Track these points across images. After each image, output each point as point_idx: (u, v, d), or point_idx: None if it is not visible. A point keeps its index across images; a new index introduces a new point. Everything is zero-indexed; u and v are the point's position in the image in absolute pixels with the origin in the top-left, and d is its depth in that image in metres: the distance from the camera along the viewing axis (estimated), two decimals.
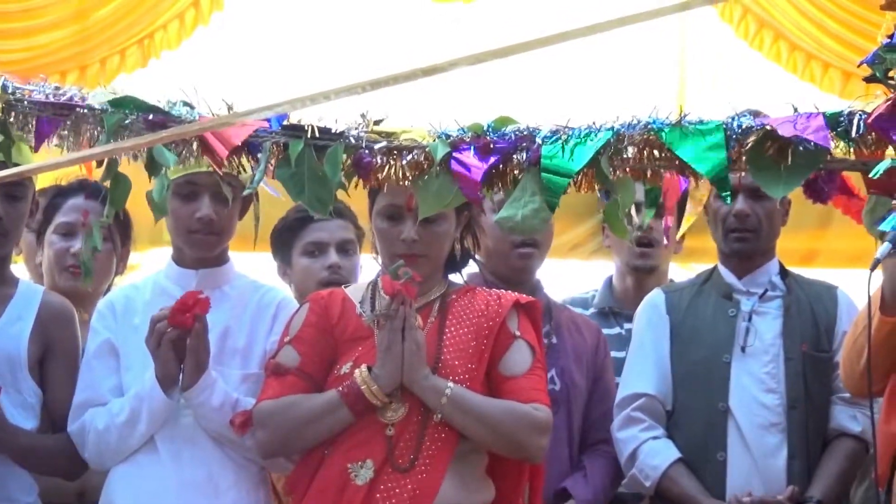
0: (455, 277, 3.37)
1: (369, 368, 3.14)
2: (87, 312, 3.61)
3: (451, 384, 3.13)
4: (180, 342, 3.23)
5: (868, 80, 2.92)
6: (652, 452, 3.72)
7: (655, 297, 3.91)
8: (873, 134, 2.93)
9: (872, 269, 3.09)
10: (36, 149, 3.14)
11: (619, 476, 3.82)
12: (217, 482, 3.30)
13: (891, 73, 2.87)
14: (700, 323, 3.80)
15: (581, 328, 3.92)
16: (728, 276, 3.84)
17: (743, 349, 3.73)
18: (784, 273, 3.87)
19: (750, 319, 3.77)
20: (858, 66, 2.97)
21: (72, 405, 3.37)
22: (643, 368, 3.80)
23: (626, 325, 4.16)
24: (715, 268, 3.91)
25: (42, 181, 4.07)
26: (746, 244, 3.81)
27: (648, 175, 3.04)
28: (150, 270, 3.68)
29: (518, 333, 3.24)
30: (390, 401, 3.14)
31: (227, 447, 3.31)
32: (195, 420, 3.29)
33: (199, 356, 3.23)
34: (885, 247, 3.04)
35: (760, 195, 3.70)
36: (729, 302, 3.81)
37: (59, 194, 3.91)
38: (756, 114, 3.06)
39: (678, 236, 4.32)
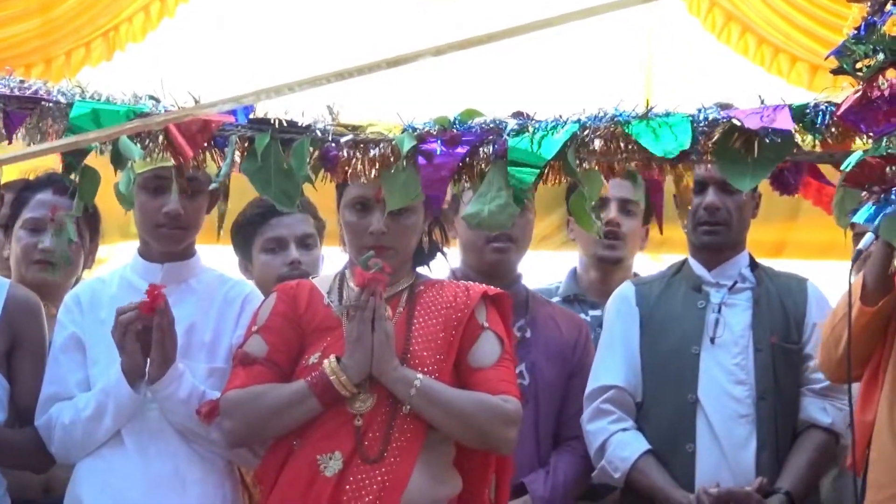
0: (425, 271, 3.36)
1: (338, 359, 3.13)
2: (55, 306, 3.59)
3: (420, 375, 3.13)
4: (146, 335, 3.22)
5: (835, 72, 2.93)
6: (621, 444, 3.72)
7: (625, 289, 3.91)
8: (839, 126, 2.94)
9: (854, 260, 3.10)
10: (9, 141, 3.12)
11: (587, 472, 3.80)
12: (184, 476, 3.29)
13: (858, 65, 2.87)
14: (669, 315, 3.81)
15: (559, 324, 3.90)
16: (698, 268, 3.85)
17: (712, 340, 3.74)
18: (754, 265, 3.87)
19: (719, 311, 3.77)
20: (826, 58, 2.97)
21: (39, 399, 3.36)
22: (613, 361, 3.80)
23: (592, 312, 4.16)
24: (685, 260, 3.91)
25: (9, 174, 4.04)
26: (716, 237, 3.81)
27: (616, 168, 3.04)
28: (118, 264, 3.66)
29: (486, 325, 3.24)
30: (359, 391, 3.13)
31: (194, 441, 3.29)
32: (161, 414, 3.28)
33: (166, 349, 3.22)
34: (868, 238, 3.05)
35: (730, 188, 3.69)
36: (698, 294, 3.81)
37: (27, 188, 3.89)
38: (726, 106, 3.06)
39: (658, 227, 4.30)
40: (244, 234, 4.02)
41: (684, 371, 3.73)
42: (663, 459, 3.71)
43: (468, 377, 3.20)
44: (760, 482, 3.63)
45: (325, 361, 3.14)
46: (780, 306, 3.78)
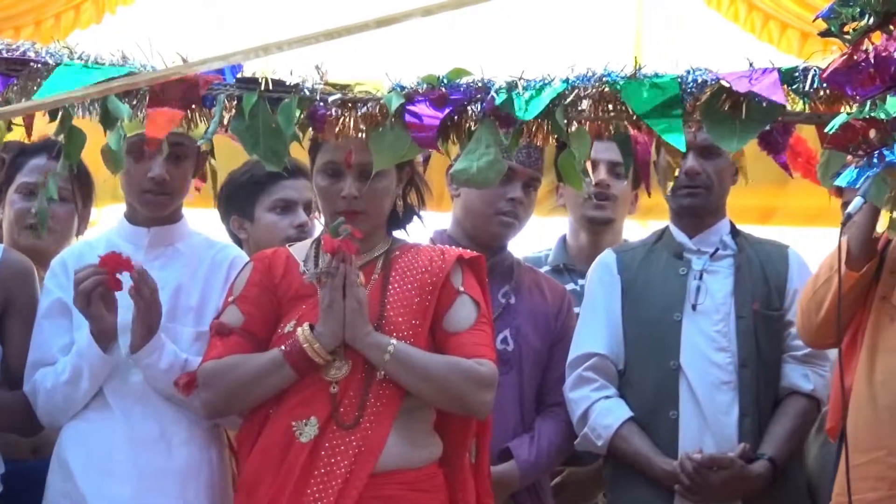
0: (401, 235, 3.35)
1: (311, 326, 3.13)
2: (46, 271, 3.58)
3: (393, 341, 3.12)
4: (109, 295, 3.21)
5: (823, 34, 2.93)
6: (604, 412, 3.72)
7: (606, 257, 3.91)
8: (828, 90, 2.94)
9: (844, 223, 3.11)
10: None
11: (571, 438, 3.80)
12: (169, 438, 3.29)
13: (846, 28, 2.87)
14: (651, 282, 3.81)
15: (545, 290, 3.90)
16: (679, 235, 3.85)
17: (694, 307, 3.74)
18: (735, 233, 3.87)
19: (701, 278, 3.77)
20: (813, 20, 2.97)
21: (26, 365, 3.36)
22: (595, 328, 3.80)
23: (581, 282, 4.15)
24: (666, 227, 3.91)
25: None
26: (696, 199, 3.80)
27: (601, 127, 3.04)
28: (107, 226, 3.65)
29: (462, 289, 3.23)
30: (333, 358, 3.13)
31: (180, 404, 3.29)
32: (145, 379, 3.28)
33: (150, 321, 3.22)
34: (857, 202, 3.05)
35: (711, 153, 3.72)
36: (680, 261, 3.81)
37: (22, 153, 3.88)
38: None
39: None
40: (249, 192, 4.00)
41: (666, 338, 3.73)
42: (646, 427, 3.71)
43: (444, 342, 3.19)
44: (743, 448, 3.64)
45: (299, 329, 3.13)
46: (762, 273, 3.78)
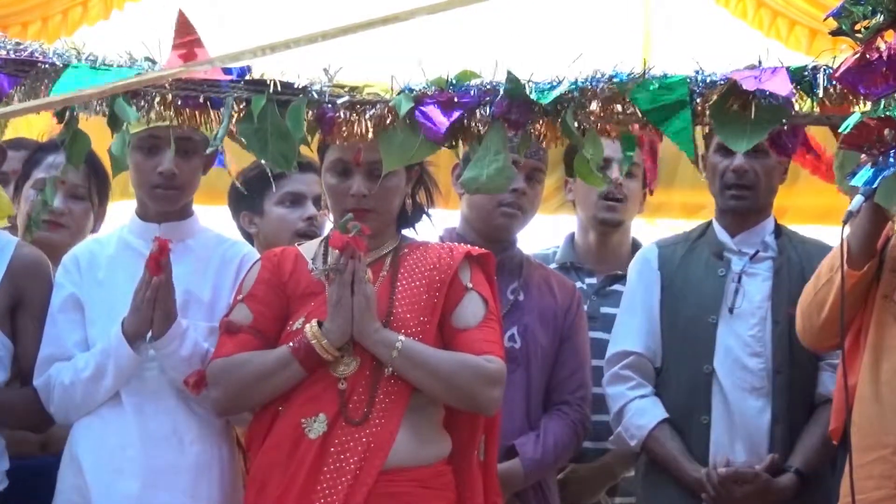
0: (410, 233, 3.35)
1: (319, 323, 3.13)
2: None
3: (401, 337, 3.13)
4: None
5: (834, 33, 2.92)
6: (639, 412, 3.73)
7: (648, 251, 3.89)
8: (837, 88, 2.93)
9: (845, 221, 3.10)
10: None
11: (577, 437, 3.80)
12: (181, 435, 3.29)
13: (857, 27, 2.86)
14: (690, 281, 3.79)
15: (554, 287, 3.89)
16: (721, 233, 3.82)
17: (731, 310, 3.72)
18: (778, 232, 3.84)
19: (739, 280, 3.75)
20: (824, 19, 2.96)
21: (37, 359, 3.36)
22: (633, 325, 3.80)
23: (588, 280, 4.16)
24: (710, 223, 3.89)
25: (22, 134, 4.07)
26: (743, 202, 3.78)
27: (609, 128, 3.04)
28: (118, 222, 3.66)
29: (470, 286, 3.24)
30: (342, 355, 3.14)
31: (192, 401, 3.30)
32: (161, 371, 3.29)
33: (166, 305, 3.22)
34: (857, 200, 3.05)
35: (759, 151, 3.64)
36: (719, 261, 3.79)
37: (40, 150, 3.90)
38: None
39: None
40: (258, 186, 4.00)
41: (701, 341, 3.72)
42: (679, 429, 3.71)
43: (452, 338, 3.19)
44: (772, 459, 3.62)
45: (307, 326, 3.14)
46: (801, 275, 3.70)
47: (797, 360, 3.69)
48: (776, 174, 3.82)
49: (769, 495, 3.61)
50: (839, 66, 2.89)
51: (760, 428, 3.67)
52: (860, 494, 3.11)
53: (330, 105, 3.09)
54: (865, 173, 2.88)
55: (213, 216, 3.95)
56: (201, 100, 3.11)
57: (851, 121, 2.83)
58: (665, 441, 3.69)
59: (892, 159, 2.82)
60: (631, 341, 3.78)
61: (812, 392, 3.72)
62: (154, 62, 3.12)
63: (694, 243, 3.86)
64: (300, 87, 3.10)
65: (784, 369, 3.68)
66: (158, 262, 3.18)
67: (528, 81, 3.03)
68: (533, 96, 3.00)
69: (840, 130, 2.88)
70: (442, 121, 3.03)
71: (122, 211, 4.74)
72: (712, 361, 3.70)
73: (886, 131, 2.81)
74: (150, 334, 3.25)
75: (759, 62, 2.97)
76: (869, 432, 3.22)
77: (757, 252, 3.78)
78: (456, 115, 3.04)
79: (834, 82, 2.93)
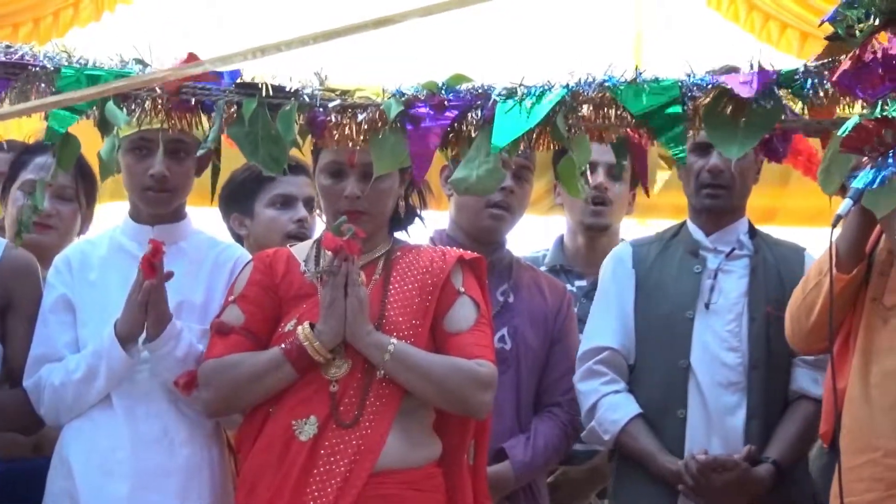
0: (402, 235, 3.35)
1: (312, 325, 3.13)
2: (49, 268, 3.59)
3: (393, 340, 3.13)
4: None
5: (830, 38, 2.91)
6: (612, 407, 3.72)
7: (622, 250, 3.89)
8: (826, 92, 2.93)
9: (834, 225, 3.10)
10: None
11: (567, 439, 3.81)
12: (172, 438, 3.29)
13: (852, 31, 2.85)
14: (665, 278, 3.79)
15: (544, 289, 3.90)
16: (696, 232, 3.83)
17: (707, 306, 3.72)
18: (753, 232, 3.85)
19: (715, 277, 3.75)
20: (819, 24, 2.95)
21: (27, 360, 3.36)
22: (607, 322, 3.79)
23: (578, 283, 4.17)
24: (684, 223, 3.89)
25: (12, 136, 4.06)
26: (718, 201, 3.79)
27: (604, 134, 3.04)
28: (108, 224, 3.66)
29: (462, 290, 3.24)
30: (333, 357, 3.14)
31: (183, 403, 3.30)
32: (154, 372, 3.28)
33: (160, 307, 3.22)
34: (846, 203, 3.04)
35: None
36: (695, 259, 3.79)
37: (27, 151, 3.89)
38: (730, 69, 3.05)
39: (633, 195, 4.31)
40: (248, 188, 4.00)
41: (677, 336, 3.72)
42: (654, 424, 3.71)
43: (444, 342, 3.20)
44: (749, 450, 3.62)
45: (299, 328, 3.14)
46: (777, 275, 3.75)
47: (773, 356, 3.70)
48: (751, 174, 3.83)
49: (748, 485, 3.60)
50: (835, 70, 2.89)
51: (736, 423, 3.67)
52: (852, 497, 3.11)
53: (321, 109, 3.09)
54: (866, 175, 2.87)
55: (205, 218, 3.93)
56: (192, 103, 3.11)
57: (850, 124, 2.83)
58: (639, 436, 3.69)
59: (891, 160, 2.81)
60: (604, 337, 3.77)
61: (787, 388, 3.73)
62: (145, 65, 3.11)
63: (668, 242, 3.86)
64: (291, 90, 3.10)
65: (760, 365, 3.69)
66: (152, 265, 3.18)
67: (520, 85, 3.03)
68: (521, 122, 3.00)
69: (838, 134, 2.88)
70: (431, 129, 3.02)
71: (111, 213, 4.75)
72: (689, 356, 3.70)
73: (885, 132, 2.81)
74: (142, 337, 3.25)
75: (751, 66, 2.97)
76: (859, 435, 3.22)
77: (733, 250, 3.79)
78: (447, 119, 3.04)
79: (823, 86, 2.93)
